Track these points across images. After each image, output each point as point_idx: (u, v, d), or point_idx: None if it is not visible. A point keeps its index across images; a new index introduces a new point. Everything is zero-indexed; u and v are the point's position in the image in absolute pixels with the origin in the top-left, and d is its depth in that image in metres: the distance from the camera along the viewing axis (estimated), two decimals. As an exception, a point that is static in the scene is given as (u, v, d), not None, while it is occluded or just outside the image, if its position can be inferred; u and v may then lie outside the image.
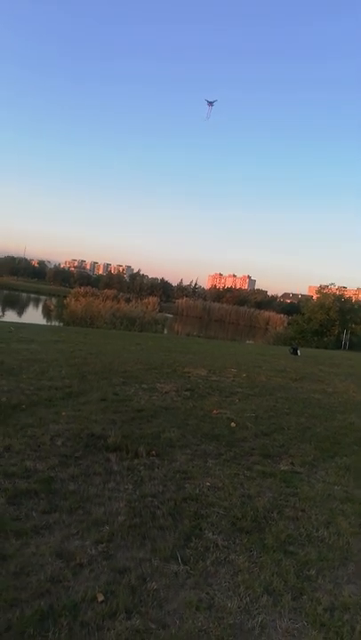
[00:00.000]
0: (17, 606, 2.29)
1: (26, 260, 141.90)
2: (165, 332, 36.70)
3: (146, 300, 43.65)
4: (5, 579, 2.48)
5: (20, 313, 41.26)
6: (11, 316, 33.04)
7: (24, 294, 65.63)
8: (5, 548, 2.76)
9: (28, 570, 2.58)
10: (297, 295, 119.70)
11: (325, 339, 34.73)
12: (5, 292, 60.72)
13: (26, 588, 2.43)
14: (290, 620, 2.48)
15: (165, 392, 7.52)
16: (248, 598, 2.60)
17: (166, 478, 4.08)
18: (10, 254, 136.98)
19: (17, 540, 2.85)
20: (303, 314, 38.66)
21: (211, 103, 20.93)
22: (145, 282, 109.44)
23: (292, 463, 4.92)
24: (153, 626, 2.28)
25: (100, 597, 2.42)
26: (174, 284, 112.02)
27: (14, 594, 2.37)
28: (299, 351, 18.92)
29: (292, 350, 18.94)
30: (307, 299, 61.14)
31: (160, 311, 43.02)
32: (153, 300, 45.04)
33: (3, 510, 3.17)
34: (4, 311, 32.23)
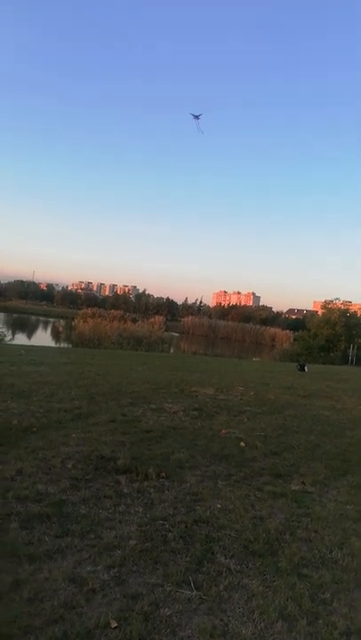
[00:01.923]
0: (31, 633, 2.28)
1: (34, 283, 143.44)
2: (172, 350, 36.71)
3: (152, 320, 43.85)
4: (19, 605, 2.48)
5: (30, 335, 41.52)
6: (21, 339, 33.23)
7: (33, 317, 66.13)
8: (19, 573, 2.76)
9: (42, 595, 2.58)
10: (302, 311, 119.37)
11: (332, 354, 34.58)
12: (15, 315, 61.22)
13: (40, 614, 2.43)
14: (306, 645, 2.45)
15: (173, 412, 7.52)
16: (263, 624, 2.57)
17: (177, 500, 4.06)
18: (19, 278, 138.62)
19: (30, 565, 2.85)
20: (309, 329, 38.61)
21: (196, 117, 21.26)
22: (151, 301, 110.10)
23: (303, 483, 4.88)
24: (167, 653, 2.27)
25: (114, 624, 2.41)
26: (180, 302, 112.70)
27: (28, 620, 2.37)
28: (306, 367, 18.84)
29: (299, 367, 18.85)
30: (312, 314, 60.96)
31: (166, 330, 43.16)
32: (159, 319, 45.24)
33: (16, 535, 3.18)
34: (14, 334, 32.42)
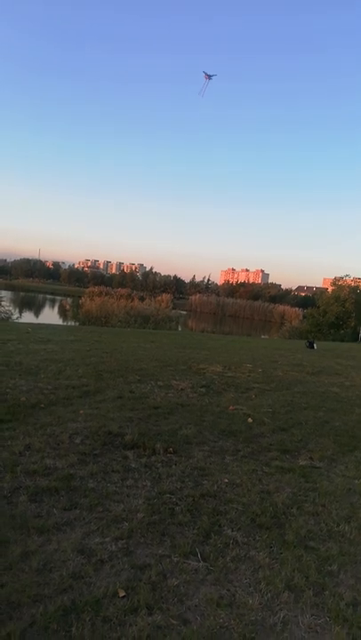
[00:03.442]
0: (40, 602, 2.32)
1: (40, 261, 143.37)
2: (179, 328, 36.74)
3: (159, 298, 43.78)
4: (29, 575, 2.52)
5: (37, 314, 41.74)
6: (28, 317, 33.43)
7: (40, 295, 66.34)
8: (28, 544, 2.80)
9: (51, 566, 2.62)
10: (312, 288, 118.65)
11: (342, 331, 34.40)
12: (22, 293, 61.45)
13: (49, 583, 2.47)
14: (312, 615, 2.47)
15: (181, 389, 7.53)
16: (269, 595, 2.59)
17: (184, 475, 4.09)
18: (25, 257, 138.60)
19: (39, 537, 2.89)
20: (318, 307, 38.31)
21: (209, 76, 20.29)
22: (158, 279, 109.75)
23: (310, 458, 4.89)
24: (174, 622, 2.30)
25: (122, 593, 2.44)
26: (187, 280, 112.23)
27: (37, 590, 2.41)
28: (315, 345, 18.78)
29: (308, 344, 18.80)
30: (322, 291, 60.51)
31: (173, 308, 43.10)
32: (166, 297, 45.16)
33: (25, 508, 3.22)
34: (21, 312, 32.57)
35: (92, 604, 2.33)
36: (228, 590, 2.60)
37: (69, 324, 31.20)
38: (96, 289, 52.70)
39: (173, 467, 4.25)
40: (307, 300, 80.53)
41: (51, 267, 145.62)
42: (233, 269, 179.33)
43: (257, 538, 3.17)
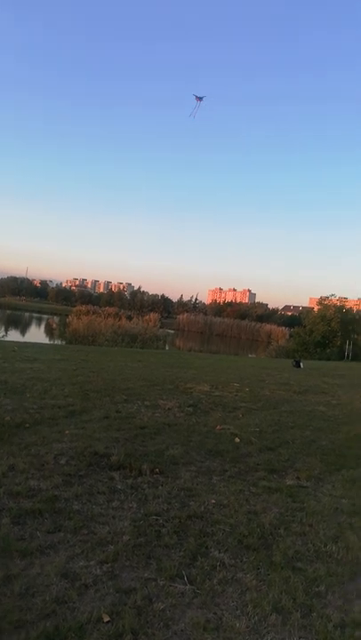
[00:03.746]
0: (22, 628, 2.26)
1: (28, 280, 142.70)
2: (167, 347, 36.67)
3: (147, 317, 43.68)
4: (11, 600, 2.45)
5: (23, 332, 41.36)
6: (14, 336, 33.08)
7: (27, 313, 65.85)
8: (10, 568, 2.73)
9: (34, 590, 2.55)
10: (298, 307, 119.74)
11: (328, 350, 34.64)
12: (8, 311, 60.92)
13: (31, 608, 2.40)
14: (300, 638, 2.44)
15: (168, 408, 7.50)
16: (257, 617, 2.56)
17: (170, 496, 4.04)
18: (12, 275, 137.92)
19: (22, 560, 2.82)
20: (305, 326, 38.61)
21: (200, 98, 20.67)
22: (145, 298, 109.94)
23: (298, 477, 4.88)
24: (160, 647, 2.25)
25: (106, 618, 2.39)
26: (175, 299, 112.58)
27: (19, 615, 2.34)
28: (302, 363, 18.89)
29: (294, 363, 18.91)
30: (308, 310, 61.08)
31: (161, 327, 43.03)
32: (154, 316, 45.05)
33: (7, 530, 3.15)
34: (7, 331, 32.24)
35: (75, 630, 2.27)
36: (215, 614, 2.56)
37: (56, 342, 30.93)
38: (83, 307, 52.45)
39: (160, 488, 4.20)
40: (293, 319, 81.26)
41: (38, 285, 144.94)
42: (220, 289, 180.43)
43: (244, 559, 3.14)
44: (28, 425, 5.61)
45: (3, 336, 25.88)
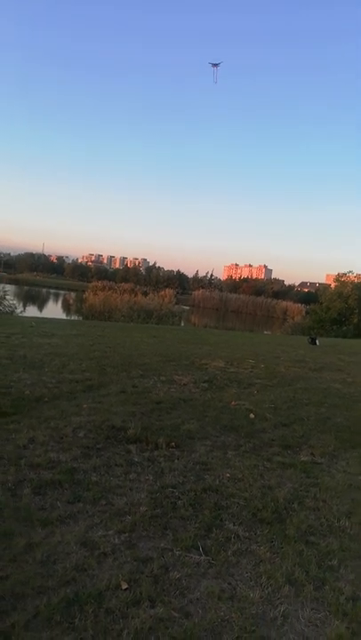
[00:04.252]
0: (44, 594, 2.36)
1: (44, 255, 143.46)
2: (182, 324, 36.74)
3: (162, 293, 43.68)
4: (32, 567, 2.55)
5: (41, 308, 41.81)
6: (32, 311, 33.49)
7: (44, 289, 66.41)
8: (32, 536, 2.83)
9: (54, 558, 2.65)
10: (315, 284, 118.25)
11: (344, 327, 34.26)
12: (26, 287, 61.51)
13: (52, 575, 2.50)
14: (312, 609, 2.50)
15: (184, 384, 7.56)
16: (270, 588, 2.62)
17: (186, 469, 4.12)
18: (29, 251, 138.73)
19: (43, 530, 2.93)
20: (321, 303, 38.14)
21: (216, 65, 20.19)
22: (161, 274, 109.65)
23: (312, 454, 4.91)
24: (176, 615, 2.33)
25: (124, 585, 2.47)
26: (190, 275, 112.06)
27: (41, 581, 2.44)
28: (318, 341, 18.74)
29: (310, 340, 18.76)
30: (325, 287, 60.22)
31: (177, 303, 43.00)
32: (169, 292, 45.03)
33: (29, 500, 3.26)
34: (25, 306, 32.63)
35: (94, 597, 2.37)
36: (230, 584, 2.63)
37: (73, 318, 31.27)
38: (99, 283, 52.74)
39: (176, 461, 4.28)
40: (310, 296, 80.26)
41: (54, 261, 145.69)
42: (236, 265, 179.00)
43: (258, 532, 3.20)
44: (47, 399, 5.73)
45: (21, 312, 26.20)
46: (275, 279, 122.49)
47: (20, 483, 3.51)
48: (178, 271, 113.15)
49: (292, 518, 3.44)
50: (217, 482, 3.92)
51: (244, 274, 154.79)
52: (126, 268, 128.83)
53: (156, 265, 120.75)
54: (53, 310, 40.95)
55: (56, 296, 57.04)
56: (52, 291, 65.63)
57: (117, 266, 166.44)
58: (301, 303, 72.22)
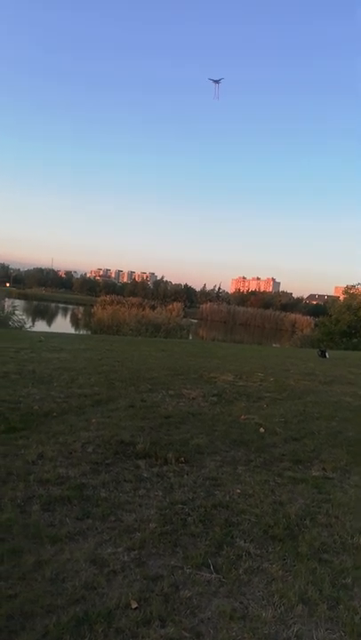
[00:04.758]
0: (53, 612, 2.33)
1: (53, 271, 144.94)
2: (190, 337, 36.73)
3: (170, 307, 43.76)
4: (42, 585, 2.53)
5: (50, 322, 42.08)
6: (41, 326, 33.72)
7: (53, 304, 66.88)
8: (41, 553, 2.81)
9: (64, 576, 2.63)
10: (323, 296, 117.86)
11: (354, 340, 33.99)
12: (35, 302, 62.00)
13: (62, 594, 2.47)
14: (326, 630, 2.44)
15: (192, 398, 7.53)
16: (283, 608, 2.57)
17: (196, 485, 4.08)
18: (38, 266, 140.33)
19: (52, 547, 2.90)
20: (330, 315, 37.95)
21: (216, 82, 20.46)
22: (169, 288, 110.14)
23: (323, 469, 4.84)
24: (187, 635, 2.28)
25: (134, 604, 2.44)
26: (198, 289, 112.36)
27: (50, 600, 2.41)
28: (327, 353, 18.60)
29: (320, 353, 18.63)
30: (333, 299, 59.99)
31: (184, 317, 43.05)
32: (177, 305, 45.10)
33: (38, 517, 3.24)
34: (34, 321, 32.86)
35: (104, 616, 2.33)
36: (241, 603, 2.58)
37: (81, 332, 31.40)
38: (108, 298, 52.98)
39: (185, 476, 4.24)
40: (318, 308, 79.97)
41: (63, 276, 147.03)
42: (244, 278, 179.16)
43: (270, 549, 3.15)
44: (55, 414, 5.73)
45: (30, 326, 26.37)
46: (283, 292, 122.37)
47: (30, 499, 3.49)
48: (185, 285, 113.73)
49: (305, 535, 3.38)
50: (227, 498, 3.88)
51: (252, 287, 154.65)
52: (134, 283, 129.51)
53: (164, 279, 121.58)
54: (62, 325, 41.20)
55: (65, 310, 57.38)
56: (60, 305, 66.10)
57: (125, 280, 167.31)
58: (310, 316, 71.96)
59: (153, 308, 42.73)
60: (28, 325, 26.21)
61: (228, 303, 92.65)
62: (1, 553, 2.75)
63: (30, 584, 2.53)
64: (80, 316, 39.54)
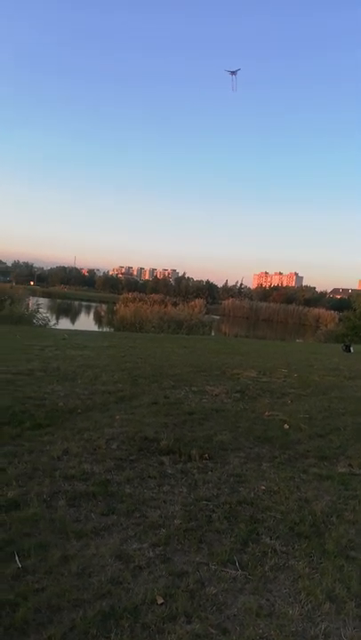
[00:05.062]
0: (80, 607, 2.35)
1: (76, 269, 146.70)
2: (213, 333, 36.61)
3: (192, 303, 43.71)
4: (68, 579, 2.56)
5: (73, 320, 42.58)
6: (64, 324, 34.16)
7: (76, 302, 67.69)
8: (67, 548, 2.85)
9: (90, 571, 2.65)
10: (347, 290, 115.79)
11: (380, 334, 33.29)
12: (59, 300, 62.84)
13: (88, 588, 2.50)
14: (355, 628, 2.39)
15: (215, 394, 7.50)
16: (310, 605, 2.53)
17: (220, 482, 4.06)
18: (61, 264, 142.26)
19: (78, 542, 2.94)
20: (355, 309, 37.25)
21: (233, 72, 20.09)
22: (191, 285, 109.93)
23: (350, 465, 4.76)
24: (213, 631, 2.28)
25: (160, 600, 2.44)
26: (220, 285, 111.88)
27: (77, 594, 2.44)
28: (352, 348, 18.28)
29: (344, 347, 18.33)
30: (357, 293, 58.82)
31: (207, 313, 42.94)
32: (199, 302, 44.99)
33: (64, 512, 3.28)
34: (57, 319, 33.32)
35: (130, 611, 2.35)
36: (268, 600, 2.56)
37: (104, 330, 31.67)
38: (130, 295, 53.32)
39: (209, 473, 4.23)
40: (342, 302, 78.54)
41: (86, 274, 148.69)
42: (266, 273, 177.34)
43: (296, 547, 3.11)
44: (80, 410, 5.80)
45: (54, 324, 26.73)
46: (306, 286, 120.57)
47: (55, 494, 3.54)
48: (207, 281, 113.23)
49: (331, 532, 3.32)
50: (252, 494, 3.85)
51: (275, 282, 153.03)
52: (156, 280, 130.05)
53: (186, 275, 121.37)
54: (85, 322, 41.62)
55: (88, 308, 57.98)
56: (83, 303, 66.75)
57: (147, 277, 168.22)
58: (334, 310, 70.67)
59: (175, 304, 42.75)
60: (52, 323, 26.57)
61: (251, 299, 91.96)
62: (28, 547, 2.80)
63: (57, 578, 2.56)
64: (103, 313, 39.86)
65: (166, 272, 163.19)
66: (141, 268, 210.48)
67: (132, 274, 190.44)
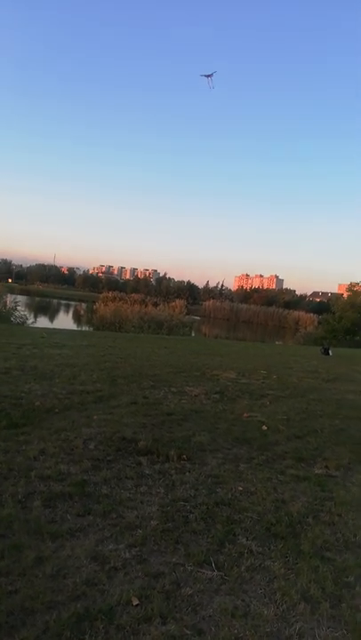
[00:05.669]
0: (54, 609, 2.31)
1: (56, 267, 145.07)
2: (193, 334, 36.68)
3: (173, 304, 43.64)
4: (42, 581, 2.51)
5: (52, 319, 42.08)
6: (43, 322, 33.72)
7: (55, 300, 66.90)
8: (42, 549, 2.80)
9: (65, 572, 2.61)
10: (327, 294, 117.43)
11: (358, 337, 33.98)
12: (37, 298, 61.97)
13: (62, 590, 2.46)
14: (329, 628, 2.42)
15: (195, 395, 7.51)
16: (285, 605, 2.55)
17: (198, 482, 4.06)
18: (40, 262, 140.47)
19: (53, 543, 2.89)
20: (334, 312, 37.91)
21: (208, 76, 20.55)
22: (171, 285, 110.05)
23: (326, 467, 4.82)
24: (188, 632, 2.27)
25: (135, 601, 2.42)
26: (201, 286, 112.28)
27: (51, 596, 2.40)
28: (330, 351, 18.57)
29: (323, 350, 18.61)
30: (337, 297, 59.79)
31: (187, 314, 42.96)
32: (180, 302, 44.95)
33: (39, 513, 3.23)
34: (36, 317, 32.89)
35: (105, 612, 2.32)
36: (243, 600, 2.56)
37: (84, 329, 31.39)
38: (110, 294, 52.91)
39: (187, 474, 4.22)
40: (322, 305, 79.70)
41: (65, 272, 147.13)
42: (247, 275, 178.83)
43: (272, 547, 3.13)
44: (57, 410, 5.72)
45: (32, 322, 26.38)
46: (286, 289, 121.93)
47: (31, 495, 3.48)
48: (188, 282, 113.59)
49: (307, 533, 3.36)
50: (229, 495, 3.86)
51: (255, 284, 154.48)
52: (137, 279, 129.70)
53: (167, 276, 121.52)
54: (64, 321, 41.16)
55: (67, 307, 57.35)
56: (62, 302, 66.02)
57: (128, 277, 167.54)
58: (313, 313, 71.72)
59: (156, 304, 42.66)
60: (30, 321, 26.22)
61: (232, 300, 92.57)
62: (2, 549, 2.75)
63: (31, 580, 2.51)
64: (82, 312, 39.56)
65: (147, 272, 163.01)
66: (122, 268, 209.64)
67: (112, 273, 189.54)
